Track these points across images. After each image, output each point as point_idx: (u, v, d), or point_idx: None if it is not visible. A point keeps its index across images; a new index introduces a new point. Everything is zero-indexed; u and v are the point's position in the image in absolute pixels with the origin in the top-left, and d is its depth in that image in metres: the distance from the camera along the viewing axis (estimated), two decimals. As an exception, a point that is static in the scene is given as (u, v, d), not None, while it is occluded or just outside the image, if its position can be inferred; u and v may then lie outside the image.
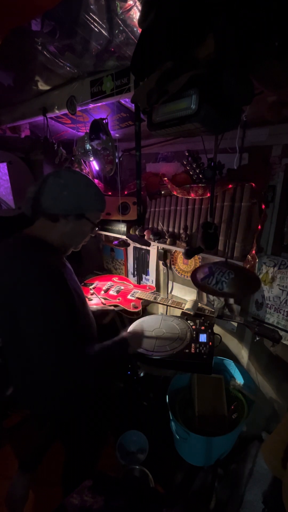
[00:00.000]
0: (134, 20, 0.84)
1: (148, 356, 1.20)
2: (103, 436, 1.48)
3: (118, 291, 1.82)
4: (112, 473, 1.21)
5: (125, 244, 1.66)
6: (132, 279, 2.14)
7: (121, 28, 0.88)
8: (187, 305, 1.58)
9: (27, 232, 0.98)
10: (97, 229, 1.10)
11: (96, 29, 0.91)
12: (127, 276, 2.19)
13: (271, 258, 1.27)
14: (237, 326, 1.55)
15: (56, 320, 0.84)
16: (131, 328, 1.42)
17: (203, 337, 1.31)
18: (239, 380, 1.45)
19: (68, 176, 0.97)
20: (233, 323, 1.56)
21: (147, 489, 1.24)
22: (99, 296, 1.75)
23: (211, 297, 1.65)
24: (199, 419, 1.29)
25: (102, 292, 1.83)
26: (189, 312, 1.53)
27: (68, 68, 1.17)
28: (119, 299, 1.73)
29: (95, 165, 1.82)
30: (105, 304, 1.68)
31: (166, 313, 1.87)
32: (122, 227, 1.77)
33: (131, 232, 1.72)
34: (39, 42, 1.05)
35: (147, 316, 1.54)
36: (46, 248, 0.96)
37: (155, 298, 1.70)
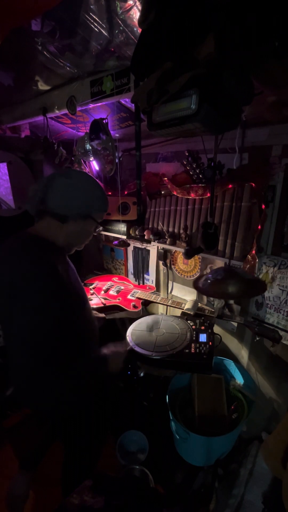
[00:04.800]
0: (134, 20, 0.84)
1: (148, 356, 1.20)
2: (103, 436, 1.48)
3: (118, 291, 1.83)
4: (112, 473, 1.21)
5: (125, 244, 1.66)
6: (132, 279, 2.14)
7: (121, 28, 0.88)
8: (187, 305, 1.58)
9: (30, 231, 0.98)
10: (101, 228, 1.10)
11: (96, 29, 0.91)
12: (127, 276, 2.19)
13: (271, 258, 1.27)
14: (237, 326, 1.55)
15: (42, 323, 0.83)
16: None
17: (203, 337, 1.31)
18: (239, 380, 1.45)
19: (77, 176, 0.97)
20: (233, 323, 1.56)
21: (147, 489, 1.23)
22: (99, 296, 1.75)
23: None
24: (199, 419, 1.29)
25: (102, 292, 1.83)
26: (189, 312, 1.53)
27: (68, 68, 1.17)
28: (119, 299, 1.73)
29: (95, 165, 1.81)
30: (105, 304, 1.68)
31: (166, 313, 1.87)
32: (122, 227, 1.77)
33: (131, 232, 1.72)
34: (39, 42, 1.05)
35: (147, 316, 1.54)
36: (49, 247, 0.96)
37: (155, 298, 1.70)
